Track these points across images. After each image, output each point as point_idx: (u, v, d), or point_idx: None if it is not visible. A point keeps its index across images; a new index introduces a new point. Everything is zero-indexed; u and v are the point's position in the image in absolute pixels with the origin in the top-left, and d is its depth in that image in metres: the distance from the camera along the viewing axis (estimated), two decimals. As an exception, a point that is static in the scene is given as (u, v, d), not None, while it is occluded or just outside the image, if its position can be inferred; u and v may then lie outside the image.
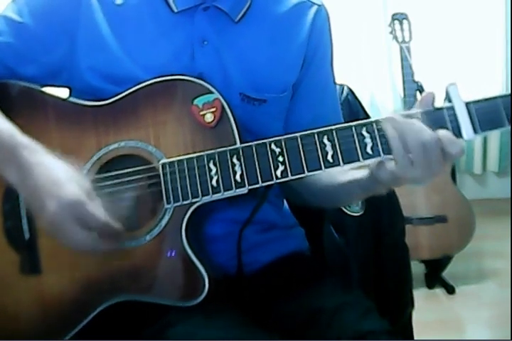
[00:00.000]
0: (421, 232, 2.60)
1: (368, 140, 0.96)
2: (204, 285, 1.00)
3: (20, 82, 1.12)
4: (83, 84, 1.11)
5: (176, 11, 1.11)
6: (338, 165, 0.97)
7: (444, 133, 0.92)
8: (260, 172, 0.99)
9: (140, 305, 1.03)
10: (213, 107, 1.02)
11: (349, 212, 1.39)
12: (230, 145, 1.01)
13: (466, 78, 3.46)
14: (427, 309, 2.46)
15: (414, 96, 2.64)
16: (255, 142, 1.00)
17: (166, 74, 1.05)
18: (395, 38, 2.74)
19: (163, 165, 1.03)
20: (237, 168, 1.00)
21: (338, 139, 0.97)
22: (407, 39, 2.72)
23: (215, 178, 1.00)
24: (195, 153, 1.02)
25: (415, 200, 2.62)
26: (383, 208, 1.50)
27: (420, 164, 0.92)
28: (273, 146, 0.99)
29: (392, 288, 1.50)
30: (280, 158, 0.99)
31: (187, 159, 1.02)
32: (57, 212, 0.94)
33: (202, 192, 1.01)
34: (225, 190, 1.00)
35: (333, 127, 0.97)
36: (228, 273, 1.13)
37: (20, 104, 1.10)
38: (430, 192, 2.63)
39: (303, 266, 1.20)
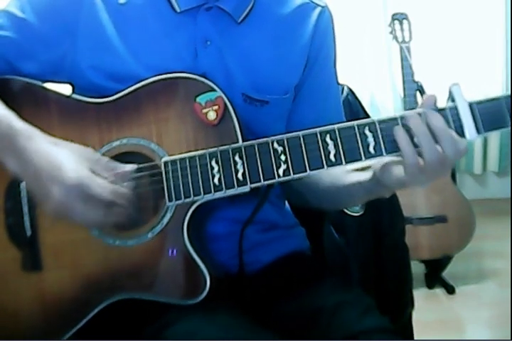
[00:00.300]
0: (421, 232, 2.60)
1: (370, 139, 0.96)
2: (205, 283, 1.00)
3: (23, 78, 1.12)
4: (85, 82, 1.11)
5: (178, 10, 1.11)
6: (341, 164, 0.97)
7: None
8: (262, 171, 0.99)
9: (141, 303, 1.03)
10: (216, 105, 1.02)
11: (349, 212, 1.39)
12: (232, 144, 1.01)
13: (466, 78, 3.46)
14: (427, 309, 2.47)
15: (414, 96, 2.64)
16: (257, 140, 1.00)
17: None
18: (395, 37, 2.74)
19: (166, 163, 1.03)
20: (239, 166, 1.00)
21: (340, 138, 0.97)
22: (407, 39, 2.72)
23: (217, 176, 1.00)
24: (197, 150, 1.02)
25: (415, 200, 2.62)
26: (383, 208, 1.50)
27: (429, 169, 0.93)
28: (275, 145, 0.99)
29: (392, 288, 1.51)
30: (282, 157, 0.98)
31: (189, 157, 1.02)
32: (62, 195, 0.94)
33: (204, 190, 1.01)
34: (226, 188, 1.00)
35: (335, 126, 0.97)
36: (229, 272, 1.13)
37: (22, 100, 1.10)
38: (430, 192, 2.63)
39: (303, 266, 1.21)
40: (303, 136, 0.98)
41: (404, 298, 1.54)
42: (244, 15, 1.14)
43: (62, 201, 0.95)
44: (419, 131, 0.93)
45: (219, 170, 1.00)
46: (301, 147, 0.98)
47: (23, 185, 1.08)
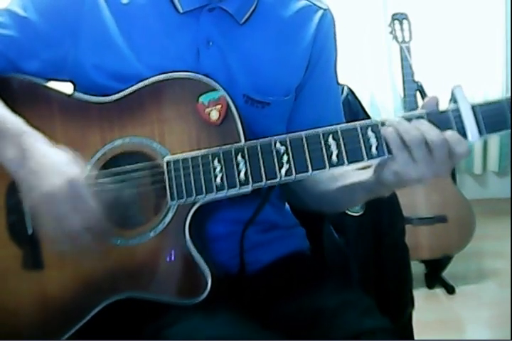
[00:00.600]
0: (421, 232, 2.60)
1: (372, 140, 0.96)
2: (206, 283, 1.00)
3: (26, 77, 1.12)
4: (87, 81, 1.11)
5: (181, 11, 1.11)
6: (343, 164, 0.97)
7: (450, 134, 0.93)
8: (265, 171, 0.99)
9: (141, 302, 1.03)
10: (219, 105, 1.02)
11: (349, 212, 1.39)
12: (234, 143, 1.01)
13: (466, 78, 3.47)
14: (427, 309, 2.47)
15: (414, 96, 2.64)
16: (260, 140, 1.00)
17: None
18: (395, 37, 2.74)
19: (168, 162, 1.03)
20: (242, 166, 1.00)
21: (343, 139, 0.97)
22: (407, 39, 2.73)
23: (219, 176, 1.00)
24: (199, 150, 1.02)
25: (415, 200, 2.62)
26: (383, 208, 1.50)
27: (422, 161, 0.93)
28: (278, 145, 0.99)
29: (392, 288, 1.51)
30: (285, 157, 0.99)
31: (191, 156, 1.02)
32: (55, 187, 0.95)
33: (206, 189, 1.01)
34: (229, 188, 1.00)
35: (338, 127, 0.98)
36: (230, 272, 1.13)
37: (25, 98, 1.10)
38: (430, 192, 2.63)
39: (304, 266, 1.21)
40: (305, 137, 0.98)
41: (404, 298, 1.54)
42: (246, 16, 1.14)
43: (52, 192, 0.95)
44: (386, 131, 0.95)
45: (221, 170, 1.00)
46: (304, 147, 0.98)
47: None
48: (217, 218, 1.12)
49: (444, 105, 0.97)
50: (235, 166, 1.00)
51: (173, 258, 1.03)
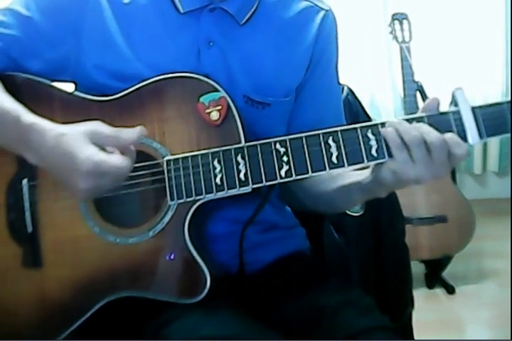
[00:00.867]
0: (421, 232, 2.60)
1: (373, 142, 0.96)
2: (205, 282, 1.00)
3: (28, 75, 1.12)
4: (89, 81, 1.11)
5: (182, 11, 1.11)
6: (343, 166, 0.97)
7: (450, 136, 0.93)
8: (264, 172, 0.99)
9: (140, 300, 1.03)
10: (219, 105, 1.03)
11: (349, 212, 1.39)
12: (234, 144, 1.01)
13: (466, 78, 3.47)
14: (427, 309, 2.47)
15: (414, 96, 2.64)
16: (260, 141, 1.00)
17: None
18: (395, 37, 2.74)
19: (168, 162, 1.03)
20: (242, 167, 1.00)
21: (343, 140, 0.97)
22: (407, 39, 2.73)
23: (219, 176, 1.01)
24: (199, 150, 1.02)
25: (415, 200, 2.62)
26: (383, 208, 1.50)
27: (421, 162, 0.93)
28: (278, 146, 0.99)
29: (392, 288, 1.51)
30: (285, 158, 0.99)
31: (191, 156, 1.02)
32: (84, 181, 0.93)
33: (206, 189, 1.01)
34: (228, 188, 1.00)
35: (338, 128, 0.98)
36: (229, 271, 1.13)
37: (26, 96, 1.10)
38: (430, 192, 2.63)
39: (304, 266, 1.21)
40: (305, 138, 0.98)
41: (404, 298, 1.54)
42: (247, 17, 1.14)
43: (86, 186, 0.93)
44: (386, 132, 0.95)
45: (221, 170, 1.01)
46: (304, 148, 0.98)
47: (24, 181, 1.09)
48: (216, 218, 1.12)
49: (444, 105, 0.97)
50: (235, 167, 1.00)
51: (172, 257, 1.03)
